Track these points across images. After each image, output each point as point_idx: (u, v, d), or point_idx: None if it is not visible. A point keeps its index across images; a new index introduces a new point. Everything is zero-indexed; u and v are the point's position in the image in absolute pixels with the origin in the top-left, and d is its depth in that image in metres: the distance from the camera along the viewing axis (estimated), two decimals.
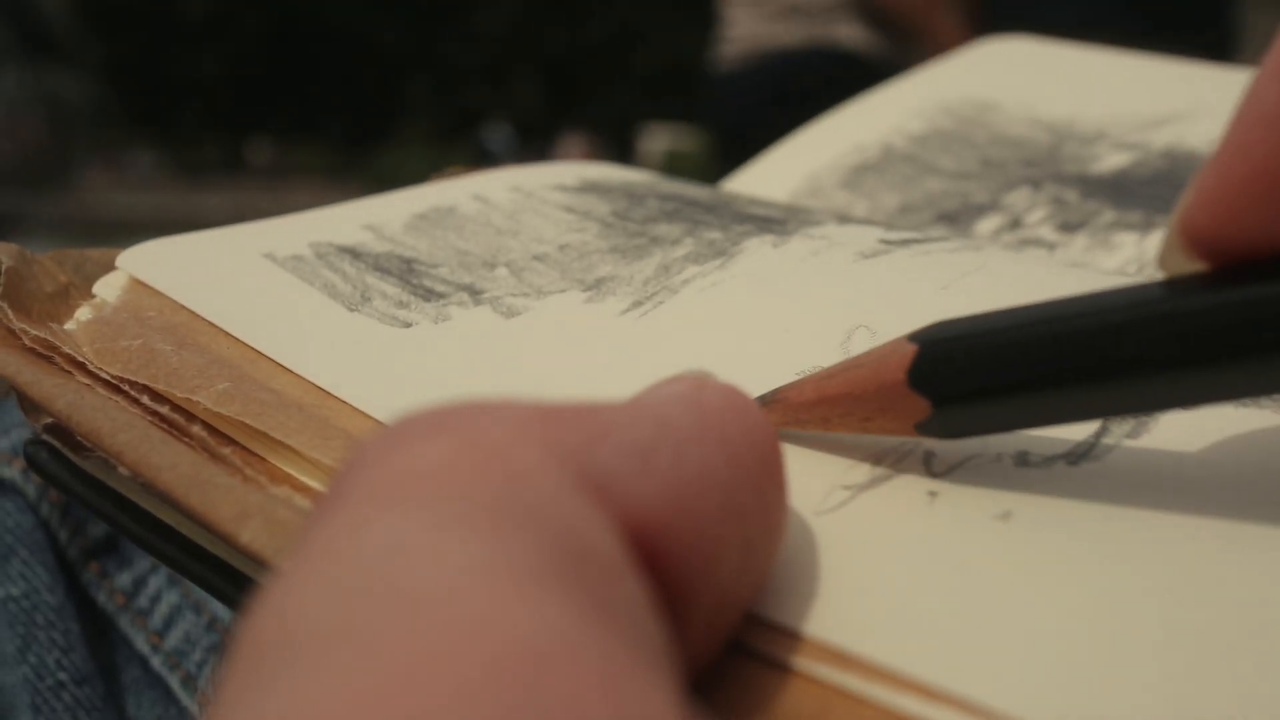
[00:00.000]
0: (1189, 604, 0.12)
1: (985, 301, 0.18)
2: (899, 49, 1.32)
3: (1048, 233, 0.29)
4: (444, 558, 0.09)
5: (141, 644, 0.27)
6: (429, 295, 0.22)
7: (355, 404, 0.19)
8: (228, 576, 0.18)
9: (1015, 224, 0.30)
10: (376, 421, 0.18)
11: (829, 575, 0.13)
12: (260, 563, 0.15)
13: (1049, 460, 0.15)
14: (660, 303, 0.21)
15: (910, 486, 0.15)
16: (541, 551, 0.10)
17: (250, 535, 0.15)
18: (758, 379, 0.18)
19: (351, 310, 0.22)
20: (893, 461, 0.15)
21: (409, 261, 0.24)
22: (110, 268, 0.24)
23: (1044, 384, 0.14)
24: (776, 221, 0.25)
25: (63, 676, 0.26)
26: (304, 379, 0.20)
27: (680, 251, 0.23)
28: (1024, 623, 0.12)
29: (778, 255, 0.23)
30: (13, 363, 0.20)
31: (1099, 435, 0.15)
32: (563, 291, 0.22)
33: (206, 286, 0.23)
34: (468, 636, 0.09)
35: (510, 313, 0.21)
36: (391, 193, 0.29)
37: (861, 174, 0.36)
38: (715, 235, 0.24)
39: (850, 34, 1.33)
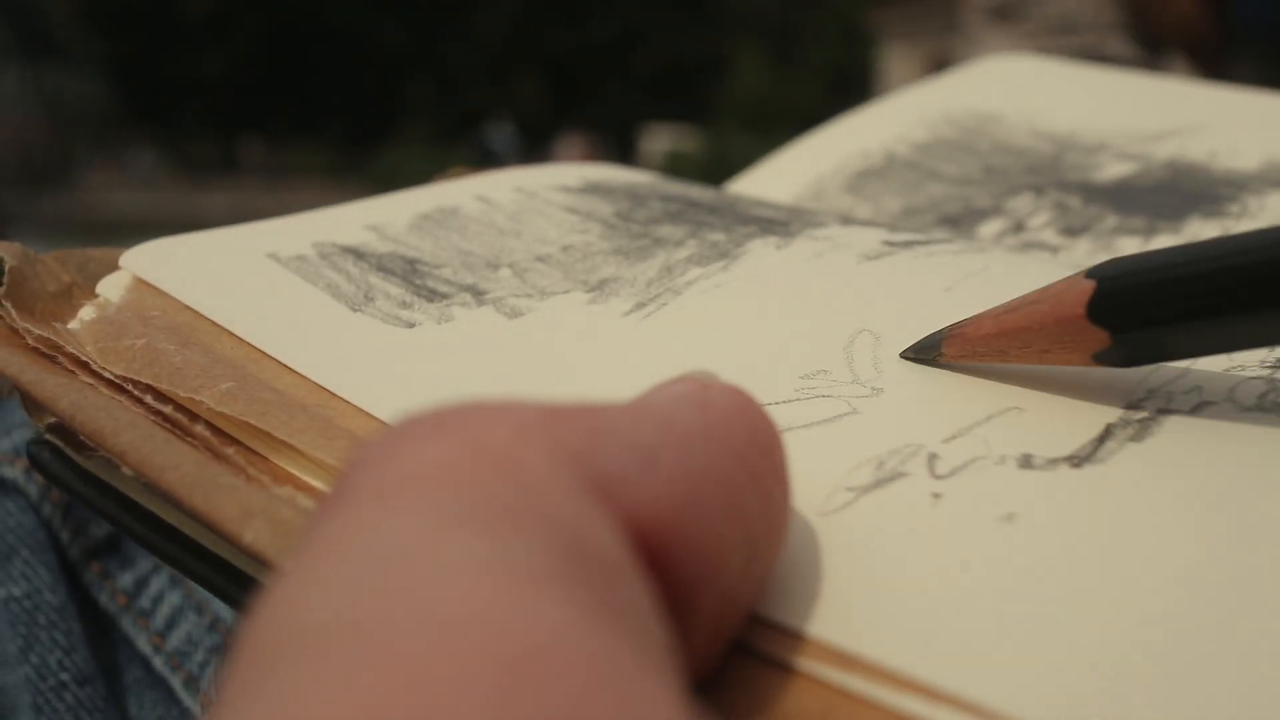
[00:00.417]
0: (1190, 605, 0.12)
1: (988, 303, 0.18)
2: (1165, 64, 1.31)
3: (1050, 237, 0.29)
4: (447, 558, 0.09)
5: (143, 644, 0.27)
6: (432, 296, 0.22)
7: (358, 404, 0.19)
8: (230, 577, 0.18)
9: (1018, 228, 0.30)
10: (380, 422, 0.18)
11: (832, 576, 0.14)
12: (263, 563, 0.15)
13: (1052, 462, 0.15)
14: (663, 304, 0.21)
15: (914, 488, 0.15)
16: (545, 552, 0.10)
17: (253, 535, 0.15)
18: (760, 380, 0.18)
19: (355, 310, 0.22)
20: (896, 463, 0.15)
21: (412, 262, 0.24)
22: (113, 267, 0.24)
23: (1218, 312, 0.15)
24: (780, 223, 0.25)
25: (65, 677, 0.26)
26: (307, 379, 0.20)
27: (683, 253, 0.23)
28: (1026, 624, 0.12)
29: (781, 257, 0.23)
30: (16, 362, 0.20)
31: (1102, 438, 0.16)
32: (566, 292, 0.22)
33: (210, 286, 0.23)
34: (471, 637, 0.09)
35: (513, 313, 0.21)
36: (395, 193, 0.29)
37: (865, 179, 0.36)
38: (718, 237, 0.24)
39: (1120, 49, 1.32)
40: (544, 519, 0.10)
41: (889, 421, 0.17)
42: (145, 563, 0.28)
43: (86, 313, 0.22)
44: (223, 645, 0.27)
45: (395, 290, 0.23)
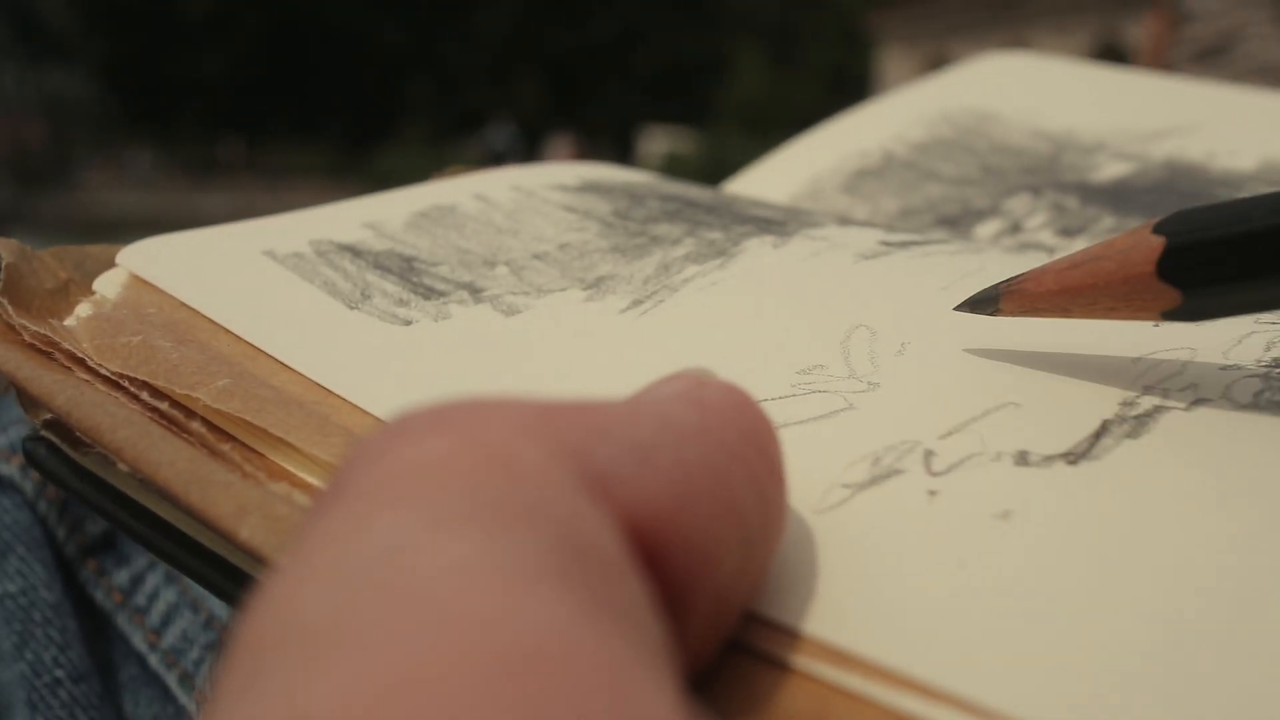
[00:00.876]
0: (1188, 604, 0.12)
1: None
2: None
3: (1047, 237, 0.29)
4: (443, 555, 0.09)
5: (139, 641, 0.27)
6: (429, 293, 0.22)
7: (355, 401, 0.19)
8: (226, 573, 0.18)
9: (1015, 228, 0.30)
10: (376, 419, 0.18)
11: (828, 574, 0.13)
12: (259, 559, 0.15)
13: (1048, 459, 0.15)
14: (660, 301, 0.21)
15: (910, 485, 0.15)
16: (542, 549, 0.10)
17: (249, 531, 0.15)
18: (756, 376, 0.18)
19: (351, 308, 0.22)
20: (892, 459, 0.15)
21: (409, 259, 0.24)
22: (110, 264, 0.24)
23: None
24: (777, 223, 0.25)
25: (60, 673, 0.26)
26: (304, 376, 0.20)
27: (680, 251, 0.23)
28: (1023, 622, 0.12)
29: (778, 256, 0.23)
30: (13, 358, 0.20)
31: (1098, 435, 0.16)
32: (563, 290, 0.22)
33: (206, 283, 0.23)
34: (467, 634, 0.09)
35: (510, 311, 0.21)
36: (392, 191, 0.29)
37: (862, 178, 0.36)
38: (716, 235, 0.24)
39: None
40: (541, 516, 0.10)
41: (885, 417, 0.17)
42: (141, 560, 0.28)
43: (83, 309, 0.22)
44: (218, 642, 0.27)
45: (392, 288, 0.23)
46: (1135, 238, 0.16)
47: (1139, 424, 0.16)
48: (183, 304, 0.22)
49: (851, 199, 0.34)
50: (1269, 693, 0.11)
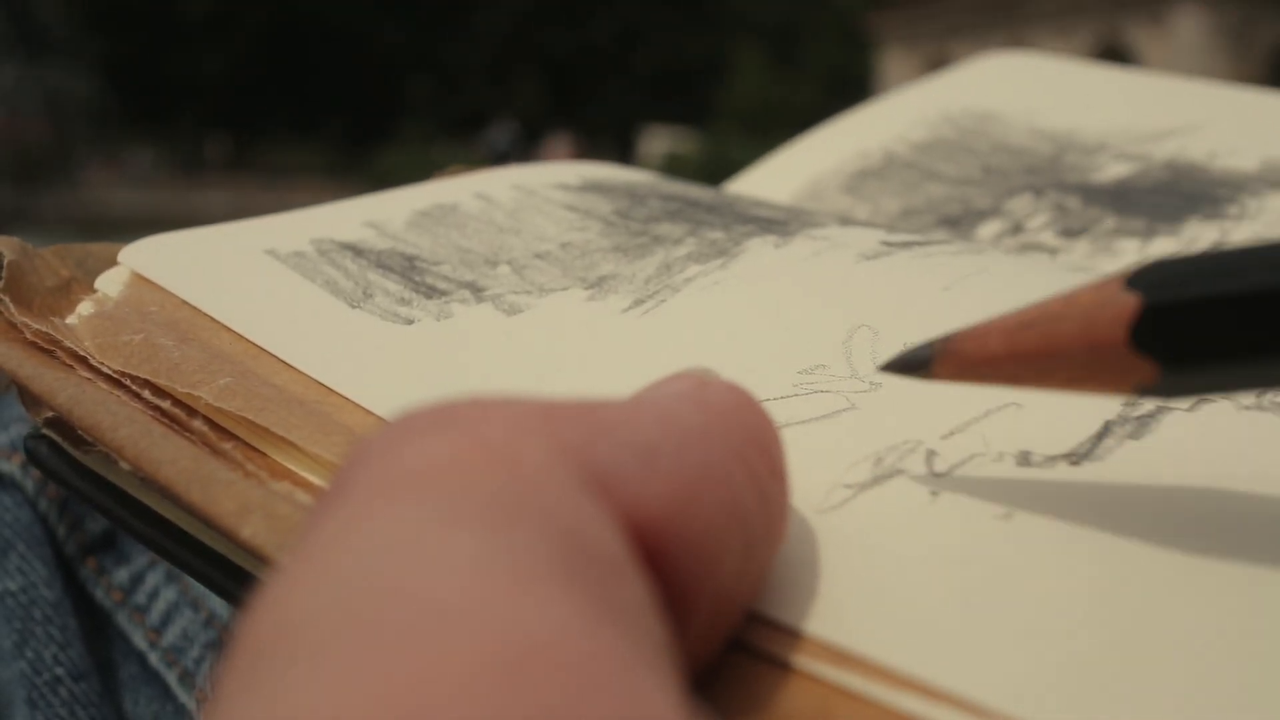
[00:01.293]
0: (1190, 604, 0.12)
1: (986, 304, 0.18)
2: None
3: (1049, 238, 0.29)
4: (446, 554, 0.09)
5: (139, 640, 0.27)
6: (431, 292, 0.22)
7: (357, 400, 0.19)
8: (228, 572, 0.18)
9: (1017, 229, 0.30)
10: (378, 418, 0.18)
11: (830, 574, 0.13)
12: (261, 558, 0.15)
13: (1050, 460, 0.15)
14: (662, 301, 0.21)
15: (912, 485, 0.15)
16: (544, 548, 0.10)
17: (251, 530, 0.15)
18: (758, 376, 0.18)
19: (353, 307, 0.22)
20: (894, 459, 0.15)
21: (411, 258, 0.24)
22: (112, 262, 0.24)
23: None
24: (779, 222, 0.25)
25: (60, 672, 0.26)
26: (306, 375, 0.20)
27: (682, 250, 0.23)
28: (1025, 622, 0.12)
29: (779, 255, 0.23)
30: (14, 356, 0.20)
31: (1101, 435, 0.16)
32: (564, 289, 0.22)
33: (208, 282, 0.23)
34: (469, 633, 0.09)
35: (512, 310, 0.21)
36: (393, 190, 0.29)
37: (863, 179, 0.36)
38: (717, 235, 0.24)
39: None
40: (543, 515, 0.10)
41: (887, 417, 0.17)
42: (141, 558, 0.28)
43: (85, 308, 0.22)
44: (218, 641, 0.27)
45: (394, 287, 0.23)
46: (1103, 293, 0.13)
47: (1141, 425, 0.16)
48: (185, 302, 0.22)
49: (853, 199, 0.34)
50: (1268, 690, 0.11)
